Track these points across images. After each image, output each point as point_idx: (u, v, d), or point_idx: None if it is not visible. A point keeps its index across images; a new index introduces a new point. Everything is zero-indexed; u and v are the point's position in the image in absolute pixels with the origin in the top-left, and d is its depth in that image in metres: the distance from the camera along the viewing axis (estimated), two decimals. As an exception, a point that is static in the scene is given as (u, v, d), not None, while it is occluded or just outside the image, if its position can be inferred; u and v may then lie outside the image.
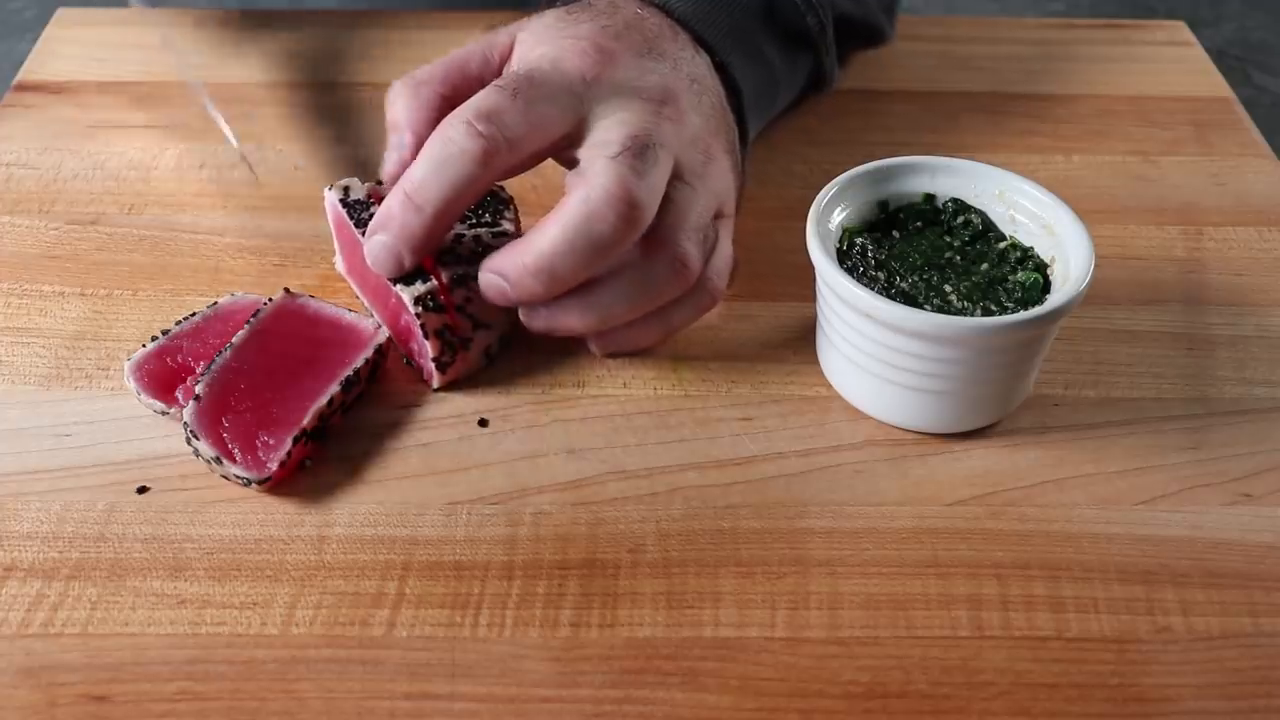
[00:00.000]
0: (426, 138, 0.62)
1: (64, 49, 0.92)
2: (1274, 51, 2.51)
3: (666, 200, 0.62)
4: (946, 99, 0.90)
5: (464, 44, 0.68)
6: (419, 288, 0.62)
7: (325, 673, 0.53)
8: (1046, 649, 0.55)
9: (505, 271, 0.61)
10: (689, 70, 0.67)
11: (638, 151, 0.60)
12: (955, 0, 2.73)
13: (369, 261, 0.62)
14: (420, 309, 0.62)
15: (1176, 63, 0.95)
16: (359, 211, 0.66)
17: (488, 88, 0.61)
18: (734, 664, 0.54)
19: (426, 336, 0.63)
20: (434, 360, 0.64)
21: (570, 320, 0.63)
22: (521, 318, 0.64)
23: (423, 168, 0.60)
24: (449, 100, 0.64)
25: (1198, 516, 0.61)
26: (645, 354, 0.68)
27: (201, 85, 0.69)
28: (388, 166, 0.65)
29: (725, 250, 0.67)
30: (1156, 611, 0.57)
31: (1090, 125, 0.88)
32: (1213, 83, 0.92)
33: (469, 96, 0.61)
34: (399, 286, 0.63)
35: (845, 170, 0.67)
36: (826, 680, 0.54)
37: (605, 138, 0.61)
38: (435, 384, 0.65)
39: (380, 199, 0.66)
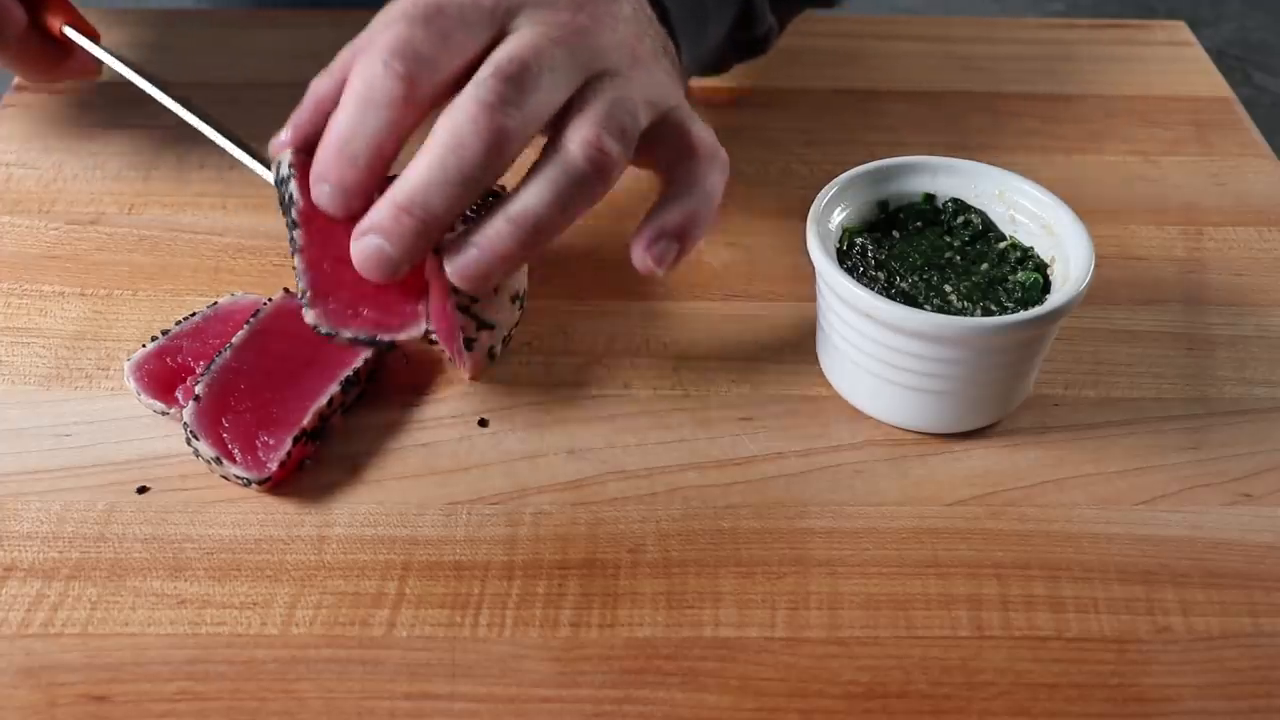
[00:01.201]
0: (317, 106, 0.61)
1: None
2: (1274, 51, 2.51)
3: (577, 101, 0.58)
4: (946, 99, 0.90)
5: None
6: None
7: (325, 673, 0.53)
8: (1046, 649, 0.55)
9: (377, 224, 0.57)
10: None
11: (512, 75, 0.56)
12: (954, 0, 2.73)
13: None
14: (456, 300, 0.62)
15: (1176, 63, 0.95)
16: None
17: (398, 19, 0.58)
18: (734, 664, 0.54)
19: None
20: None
21: (501, 239, 0.58)
22: (450, 271, 0.59)
23: (345, 118, 0.58)
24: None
25: (1198, 516, 0.61)
26: (643, 352, 0.69)
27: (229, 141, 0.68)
28: (281, 135, 0.63)
29: (700, 129, 0.62)
30: (1156, 611, 0.57)
31: (1090, 125, 0.88)
32: (1213, 83, 0.92)
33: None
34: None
35: (845, 170, 0.67)
36: (826, 680, 0.54)
37: (489, 58, 0.58)
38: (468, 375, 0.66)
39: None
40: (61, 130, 0.84)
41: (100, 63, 0.74)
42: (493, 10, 0.59)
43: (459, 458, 0.63)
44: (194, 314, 0.67)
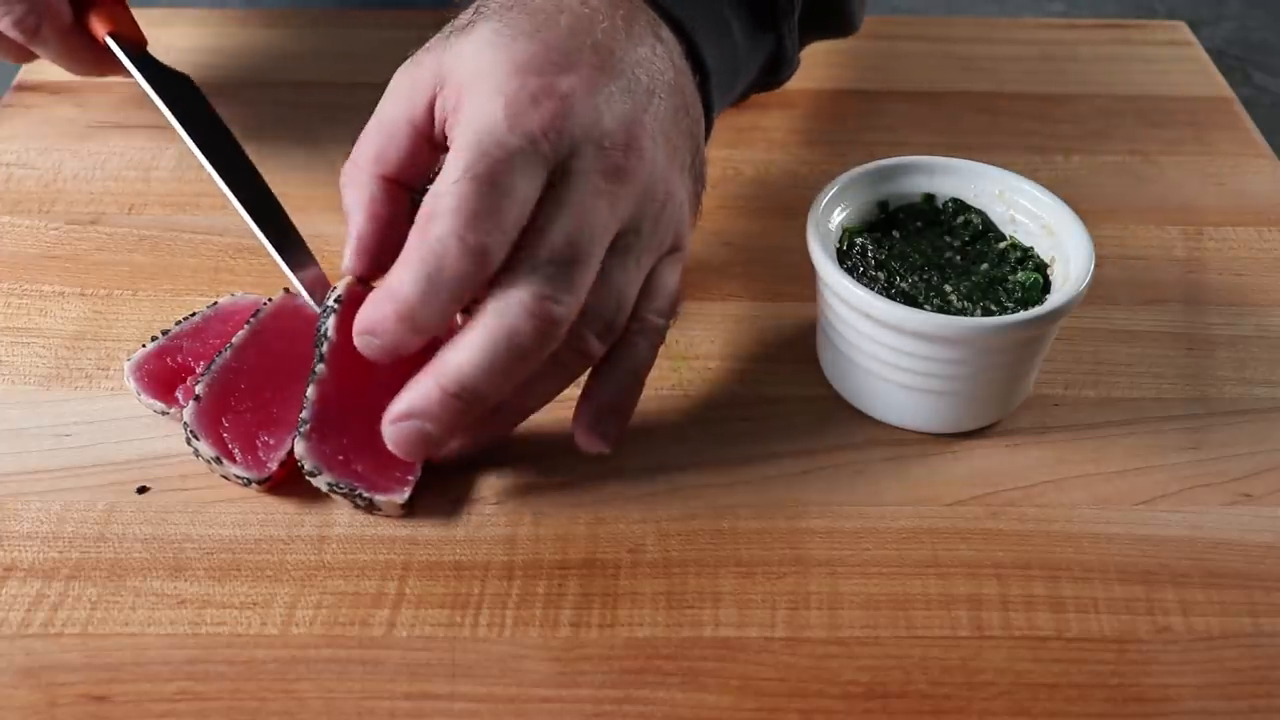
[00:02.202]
0: (376, 225, 0.59)
1: None
2: (1274, 51, 2.51)
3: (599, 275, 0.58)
4: (946, 99, 0.90)
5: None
6: None
7: (325, 673, 0.53)
8: (1046, 649, 0.55)
9: (421, 409, 0.56)
10: (647, 79, 0.61)
11: (565, 259, 0.55)
12: (955, 0, 2.73)
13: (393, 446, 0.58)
14: None
15: (1176, 63, 0.95)
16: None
17: (454, 184, 0.54)
18: (734, 664, 0.54)
19: None
20: None
21: (498, 426, 0.61)
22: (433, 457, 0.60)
23: (412, 288, 0.54)
24: (391, 181, 0.60)
25: (1198, 516, 0.61)
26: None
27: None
28: (345, 261, 0.60)
29: (669, 286, 0.62)
30: (1156, 611, 0.57)
31: (1090, 125, 0.88)
32: (1213, 83, 0.93)
33: (412, 172, 0.59)
34: None
35: (845, 170, 0.67)
36: (826, 680, 0.54)
37: (538, 234, 0.56)
38: None
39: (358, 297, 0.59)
40: (61, 130, 0.84)
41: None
42: (547, 155, 0.56)
43: (458, 458, 0.62)
44: (194, 314, 0.67)
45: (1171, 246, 0.77)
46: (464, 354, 0.55)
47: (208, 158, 0.69)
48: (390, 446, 0.57)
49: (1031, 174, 0.68)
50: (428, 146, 0.59)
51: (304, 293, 0.64)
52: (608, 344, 0.59)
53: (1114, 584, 0.58)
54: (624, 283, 0.59)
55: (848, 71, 0.92)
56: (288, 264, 0.65)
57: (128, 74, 0.75)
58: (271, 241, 0.66)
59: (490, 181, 0.54)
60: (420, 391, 0.56)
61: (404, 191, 0.60)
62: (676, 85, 0.63)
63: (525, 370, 0.56)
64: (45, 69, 0.89)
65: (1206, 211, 0.80)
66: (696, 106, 0.65)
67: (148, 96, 0.72)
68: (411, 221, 0.56)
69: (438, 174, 0.56)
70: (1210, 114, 0.89)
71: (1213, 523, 0.61)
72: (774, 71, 0.76)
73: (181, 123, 0.71)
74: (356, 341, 0.56)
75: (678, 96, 0.62)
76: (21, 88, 0.88)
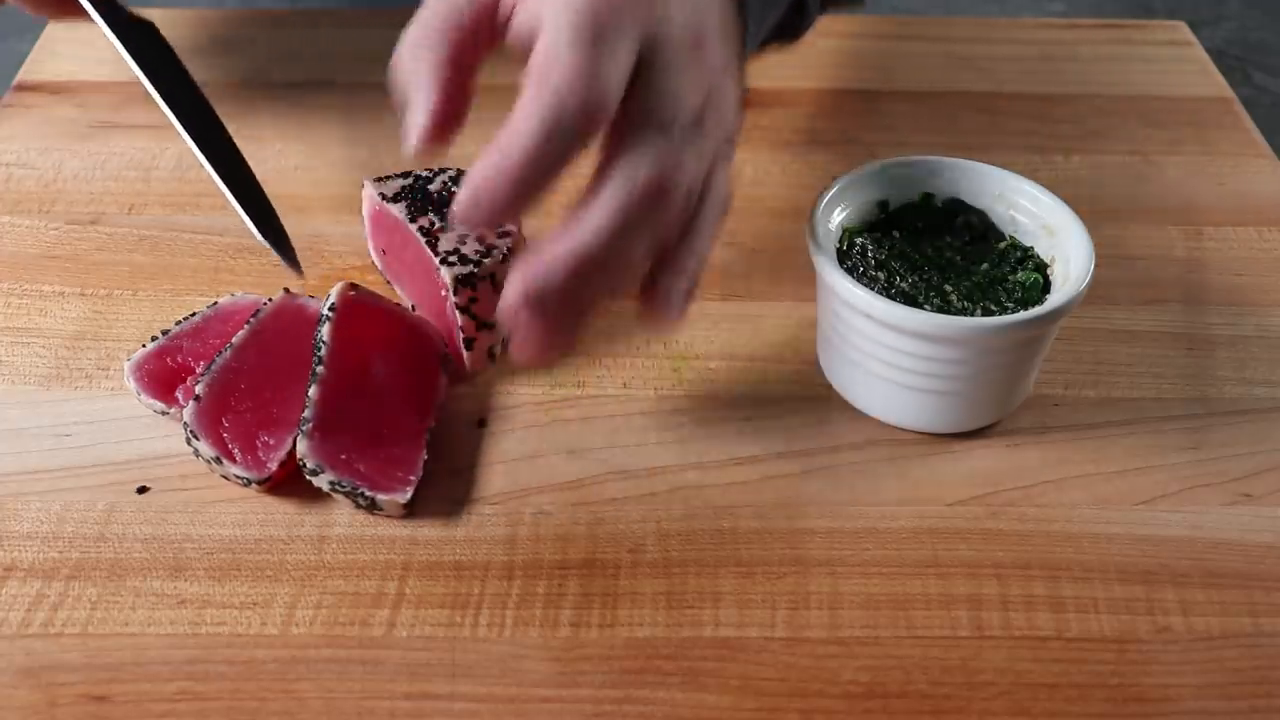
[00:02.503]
0: (446, 95, 0.56)
1: (64, 48, 0.92)
2: (1274, 51, 2.50)
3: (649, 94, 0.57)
4: (946, 99, 0.90)
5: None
6: (459, 269, 0.64)
7: (325, 673, 0.54)
8: (1046, 649, 0.56)
9: (476, 184, 0.53)
10: None
11: (686, 126, 0.56)
12: (955, 1, 2.73)
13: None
14: (456, 289, 0.63)
15: (1176, 63, 0.95)
16: (413, 202, 0.67)
17: (552, 45, 0.54)
18: (734, 664, 0.54)
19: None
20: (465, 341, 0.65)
21: (558, 257, 0.55)
22: (518, 343, 0.56)
23: (534, 142, 0.53)
24: (452, 60, 0.57)
25: (1198, 516, 0.61)
26: (643, 353, 0.69)
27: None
28: (410, 137, 0.57)
29: (721, 184, 0.61)
30: (1156, 611, 0.57)
31: (1089, 125, 0.88)
32: (1213, 82, 0.93)
33: (473, 53, 0.57)
34: (443, 270, 0.63)
35: (846, 170, 0.67)
36: (826, 680, 0.54)
37: (661, 98, 0.56)
38: (468, 364, 0.66)
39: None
40: (62, 130, 0.84)
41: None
42: (639, 26, 0.56)
43: (459, 458, 0.63)
44: (194, 314, 0.67)
45: (1171, 246, 0.77)
46: (596, 215, 0.54)
47: (173, 111, 0.69)
48: (520, 298, 0.54)
49: (1031, 174, 0.68)
50: (490, 26, 0.58)
51: (268, 245, 0.66)
52: (689, 213, 0.58)
53: (1114, 584, 0.58)
54: (701, 153, 0.58)
55: (848, 71, 0.92)
56: (253, 222, 0.67)
57: (88, 18, 0.74)
58: (236, 197, 0.68)
59: (595, 42, 0.54)
60: (552, 252, 0.54)
61: (462, 73, 0.57)
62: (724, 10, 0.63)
63: (643, 237, 0.55)
64: (45, 68, 0.90)
65: (1206, 211, 0.80)
66: (738, 24, 0.65)
67: (114, 48, 0.72)
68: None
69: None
70: (1210, 114, 0.89)
71: (1213, 523, 0.61)
72: (799, 11, 0.76)
73: (146, 73, 0.71)
74: (456, 211, 0.54)
75: (726, 9, 0.63)
76: (22, 88, 0.88)
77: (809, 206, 0.65)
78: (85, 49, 0.92)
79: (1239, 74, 2.36)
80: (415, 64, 0.57)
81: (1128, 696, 0.54)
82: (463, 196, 0.53)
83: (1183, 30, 0.98)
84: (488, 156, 0.53)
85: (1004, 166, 0.68)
